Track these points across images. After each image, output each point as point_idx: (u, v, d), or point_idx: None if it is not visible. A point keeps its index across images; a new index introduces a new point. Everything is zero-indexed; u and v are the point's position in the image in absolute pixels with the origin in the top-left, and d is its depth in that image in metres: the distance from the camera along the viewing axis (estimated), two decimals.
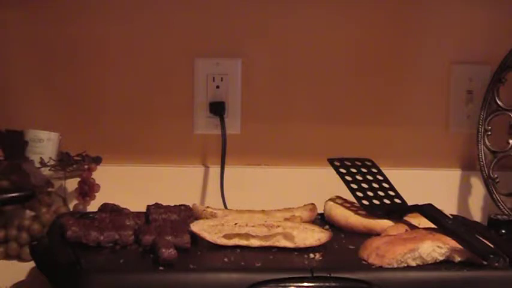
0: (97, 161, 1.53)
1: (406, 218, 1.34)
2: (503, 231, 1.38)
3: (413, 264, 1.14)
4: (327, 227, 1.34)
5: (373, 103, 1.63)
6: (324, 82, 1.62)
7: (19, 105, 1.57)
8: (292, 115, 1.62)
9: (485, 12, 1.63)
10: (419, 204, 1.32)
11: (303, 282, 1.08)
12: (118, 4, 1.58)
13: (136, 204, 1.34)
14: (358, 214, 1.36)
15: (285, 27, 1.61)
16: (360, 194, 1.37)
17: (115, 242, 1.20)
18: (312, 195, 1.42)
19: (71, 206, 1.50)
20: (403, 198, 1.38)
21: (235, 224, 1.23)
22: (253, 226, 1.22)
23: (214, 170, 1.58)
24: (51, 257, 1.15)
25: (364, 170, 1.42)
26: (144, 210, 1.33)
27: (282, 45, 1.61)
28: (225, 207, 1.50)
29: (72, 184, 1.52)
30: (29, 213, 1.42)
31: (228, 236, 1.21)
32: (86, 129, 1.59)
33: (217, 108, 1.59)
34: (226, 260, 1.15)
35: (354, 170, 1.41)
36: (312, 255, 1.18)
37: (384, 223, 1.31)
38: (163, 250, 1.10)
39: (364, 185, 1.39)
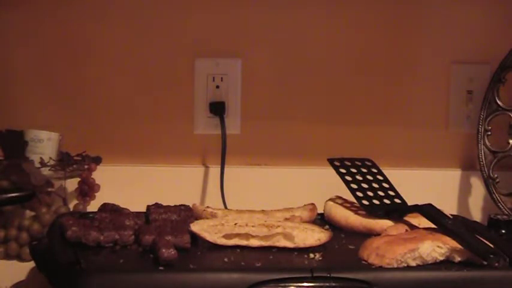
0: (97, 161, 1.53)
1: (406, 218, 1.34)
2: (503, 231, 1.38)
3: (413, 264, 1.14)
4: (327, 227, 1.34)
5: (373, 103, 1.63)
6: (324, 82, 1.62)
7: (19, 105, 1.57)
8: (292, 115, 1.62)
9: (485, 12, 1.63)
10: (419, 204, 1.32)
11: (303, 282, 1.08)
12: (118, 4, 1.58)
13: (136, 204, 1.34)
14: (358, 214, 1.36)
15: (284, 28, 1.61)
16: (360, 194, 1.37)
17: (115, 242, 1.20)
18: (312, 195, 1.42)
19: (71, 206, 1.50)
20: (403, 198, 1.38)
21: (235, 224, 1.23)
22: (253, 226, 1.22)
23: (214, 170, 1.58)
24: (51, 257, 1.15)
25: (364, 170, 1.42)
26: (144, 210, 1.33)
27: (281, 45, 1.61)
28: (225, 207, 1.51)
29: (72, 184, 1.52)
30: (29, 213, 1.42)
31: (228, 236, 1.21)
32: (86, 129, 1.59)
33: (217, 108, 1.59)
34: (226, 260, 1.15)
35: (354, 170, 1.41)
36: (312, 255, 1.18)
37: (384, 223, 1.31)
38: (163, 250, 1.10)
39: (364, 185, 1.39)
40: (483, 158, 1.57)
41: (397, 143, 1.64)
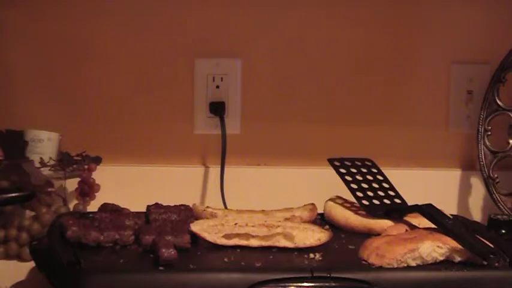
0: (97, 161, 1.53)
1: (406, 218, 1.34)
2: (503, 231, 1.38)
3: (413, 264, 1.14)
4: (327, 227, 1.34)
5: (373, 103, 1.63)
6: (324, 82, 1.62)
7: (19, 105, 1.57)
8: (292, 115, 1.62)
9: (486, 12, 1.63)
10: (419, 204, 1.31)
11: (303, 282, 1.08)
12: (118, 4, 1.58)
13: (137, 204, 1.34)
14: (358, 214, 1.36)
15: (284, 28, 1.61)
16: (360, 194, 1.37)
17: (115, 242, 1.20)
18: (312, 195, 1.42)
19: (71, 206, 1.50)
20: (403, 198, 1.38)
21: (235, 224, 1.23)
22: (253, 226, 1.22)
23: (214, 170, 1.58)
24: (51, 257, 1.15)
25: (364, 170, 1.42)
26: (144, 210, 1.33)
27: (281, 45, 1.61)
28: (225, 207, 1.51)
29: (72, 184, 1.52)
30: (29, 213, 1.42)
31: (228, 236, 1.21)
32: (86, 129, 1.59)
33: (217, 108, 1.59)
34: (226, 260, 1.15)
35: (354, 170, 1.41)
36: (312, 255, 1.18)
37: (384, 223, 1.31)
38: (163, 250, 1.10)
39: (364, 185, 1.39)
40: (483, 158, 1.57)
41: (397, 143, 1.64)
